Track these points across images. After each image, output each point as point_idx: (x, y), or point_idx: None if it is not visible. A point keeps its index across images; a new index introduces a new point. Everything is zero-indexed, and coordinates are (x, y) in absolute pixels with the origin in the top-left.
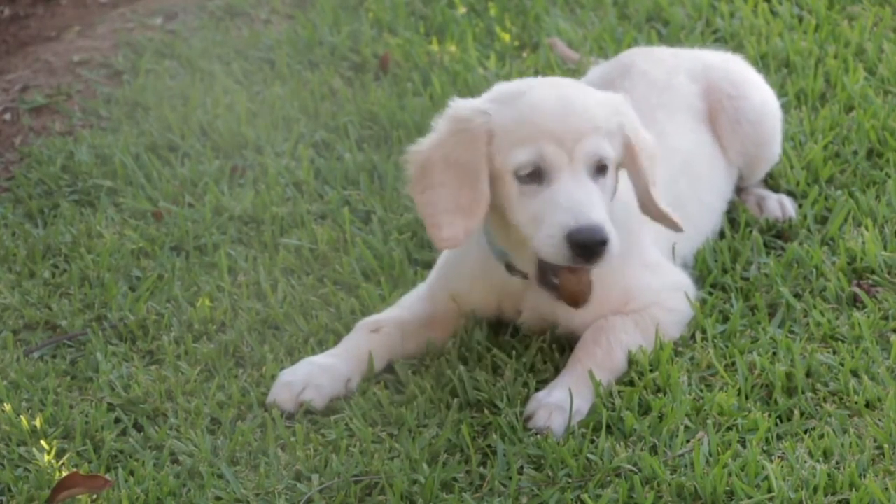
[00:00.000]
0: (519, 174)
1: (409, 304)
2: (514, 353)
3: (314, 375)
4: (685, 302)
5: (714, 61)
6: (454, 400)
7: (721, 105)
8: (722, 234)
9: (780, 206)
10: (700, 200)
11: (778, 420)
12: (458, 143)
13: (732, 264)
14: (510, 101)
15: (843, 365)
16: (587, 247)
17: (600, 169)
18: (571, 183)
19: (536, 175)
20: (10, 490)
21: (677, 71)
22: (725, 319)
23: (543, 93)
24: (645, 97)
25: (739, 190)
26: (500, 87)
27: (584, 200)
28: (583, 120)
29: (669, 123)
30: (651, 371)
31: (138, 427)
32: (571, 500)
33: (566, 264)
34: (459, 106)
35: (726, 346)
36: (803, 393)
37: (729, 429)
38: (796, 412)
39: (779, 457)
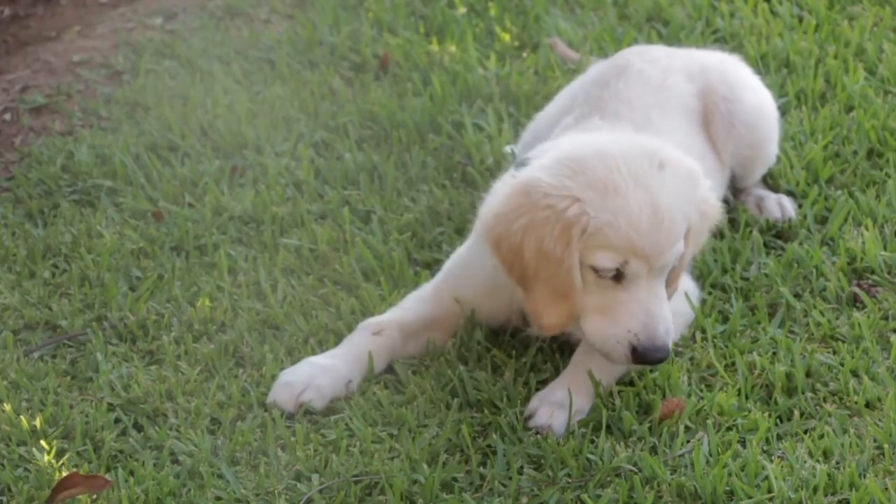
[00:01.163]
0: (598, 271)
1: (412, 306)
2: (514, 353)
3: (314, 376)
4: (688, 304)
5: (711, 62)
6: (454, 400)
7: (716, 107)
8: (722, 235)
9: (779, 206)
10: None
11: (778, 420)
12: (551, 233)
13: (732, 264)
14: (604, 199)
15: (843, 365)
16: (646, 362)
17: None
18: (646, 292)
19: (615, 275)
20: (10, 490)
21: (673, 71)
22: (725, 319)
23: (638, 202)
24: (640, 97)
25: (739, 191)
26: (584, 161)
27: (654, 313)
28: (669, 236)
29: (663, 123)
30: (651, 371)
31: (138, 427)
32: (571, 500)
33: (623, 365)
34: (542, 186)
35: (726, 346)
36: (803, 393)
37: (729, 429)
38: (796, 412)
39: (779, 457)
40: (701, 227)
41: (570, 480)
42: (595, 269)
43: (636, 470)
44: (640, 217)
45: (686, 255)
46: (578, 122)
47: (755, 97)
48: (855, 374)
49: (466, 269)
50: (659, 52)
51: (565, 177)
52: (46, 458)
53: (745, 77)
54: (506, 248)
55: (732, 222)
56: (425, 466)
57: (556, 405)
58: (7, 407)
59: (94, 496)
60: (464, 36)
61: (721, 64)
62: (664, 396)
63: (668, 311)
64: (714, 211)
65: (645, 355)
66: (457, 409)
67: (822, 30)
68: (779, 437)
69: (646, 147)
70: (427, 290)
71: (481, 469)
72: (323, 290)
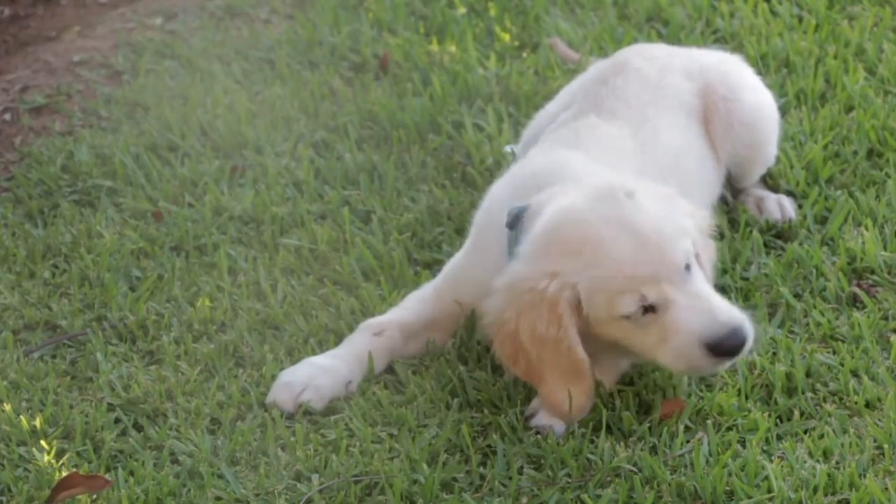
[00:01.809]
0: (629, 317)
1: (412, 306)
2: None
3: (314, 376)
4: None
5: (711, 62)
6: (454, 400)
7: (715, 106)
8: (722, 235)
9: (779, 207)
10: (689, 198)
11: (778, 420)
12: (539, 316)
13: (732, 264)
14: (581, 258)
15: (843, 365)
16: (730, 352)
17: (688, 268)
18: (686, 299)
19: (647, 308)
20: (10, 490)
21: (672, 69)
22: None
23: (614, 238)
24: (637, 94)
25: (738, 191)
26: (555, 230)
27: (705, 308)
28: (664, 247)
29: (660, 120)
30: (651, 371)
31: (138, 427)
32: (571, 500)
33: (708, 371)
34: (522, 275)
35: None
36: (803, 393)
37: (729, 429)
38: (796, 412)
39: (779, 457)
40: (701, 236)
41: (570, 480)
42: (626, 317)
43: (636, 470)
44: (623, 250)
45: (704, 266)
46: (576, 118)
47: (755, 97)
48: (855, 374)
49: (465, 271)
50: (659, 50)
51: (541, 255)
52: (46, 458)
53: (745, 77)
54: (503, 341)
55: (732, 222)
56: (425, 466)
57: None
58: (7, 407)
59: (94, 496)
60: (464, 36)
61: (722, 64)
62: (664, 396)
63: (720, 297)
64: (703, 220)
65: (722, 345)
66: (457, 409)
67: (822, 30)
68: (779, 437)
69: (611, 185)
70: (427, 290)
71: (481, 469)
72: (323, 290)
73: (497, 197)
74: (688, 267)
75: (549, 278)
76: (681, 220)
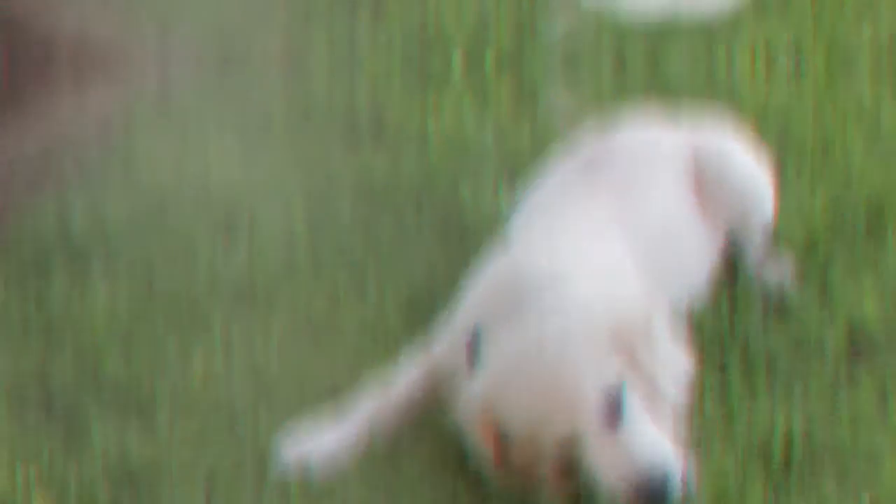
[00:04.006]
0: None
1: (412, 369)
2: None
3: (323, 444)
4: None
5: (701, 131)
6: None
7: (704, 177)
8: (720, 304)
9: (778, 273)
10: (681, 267)
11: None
12: (474, 432)
13: (731, 331)
14: (502, 396)
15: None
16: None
17: (615, 406)
18: (598, 450)
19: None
20: None
21: (660, 139)
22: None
23: (521, 388)
24: (623, 169)
25: (740, 255)
26: (490, 366)
27: (621, 461)
28: (569, 402)
29: (647, 188)
30: None
31: (132, 495)
32: None
33: None
34: (467, 395)
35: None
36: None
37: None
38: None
39: None
40: (637, 328)
41: None
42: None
43: None
44: (526, 402)
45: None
46: (555, 197)
47: (745, 167)
48: (855, 445)
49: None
50: (648, 120)
51: (477, 380)
52: None
53: (735, 147)
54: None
55: (731, 292)
56: None
57: None
58: None
59: None
60: (461, 98)
61: (712, 132)
62: None
63: (646, 434)
64: (641, 311)
65: (644, 500)
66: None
67: (821, 84)
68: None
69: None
70: (420, 352)
71: None
72: (319, 352)
73: (473, 302)
74: (615, 402)
75: (474, 402)
76: (600, 347)
